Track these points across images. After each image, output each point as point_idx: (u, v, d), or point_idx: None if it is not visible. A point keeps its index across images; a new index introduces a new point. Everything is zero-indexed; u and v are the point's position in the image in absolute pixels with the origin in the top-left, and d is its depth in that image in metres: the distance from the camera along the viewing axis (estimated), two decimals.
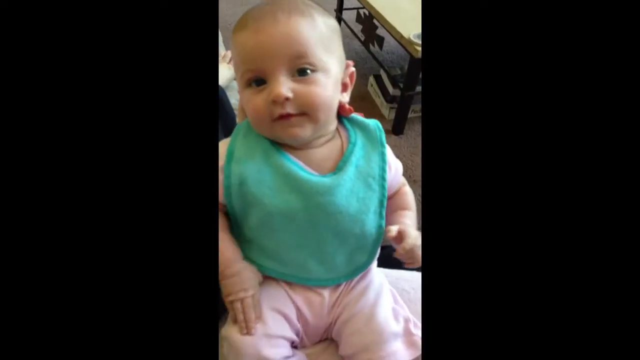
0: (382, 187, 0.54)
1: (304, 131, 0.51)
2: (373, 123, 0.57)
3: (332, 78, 0.52)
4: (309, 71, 0.49)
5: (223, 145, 0.54)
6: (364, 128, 0.57)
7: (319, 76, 0.50)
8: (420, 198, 0.75)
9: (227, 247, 0.53)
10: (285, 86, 0.48)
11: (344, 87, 0.56)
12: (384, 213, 0.55)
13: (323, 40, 0.51)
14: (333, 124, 0.55)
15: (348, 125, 0.57)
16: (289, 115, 0.49)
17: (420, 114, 1.80)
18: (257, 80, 0.50)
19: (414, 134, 1.72)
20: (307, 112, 0.50)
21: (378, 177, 0.54)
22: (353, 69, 0.57)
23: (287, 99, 0.48)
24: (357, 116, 0.58)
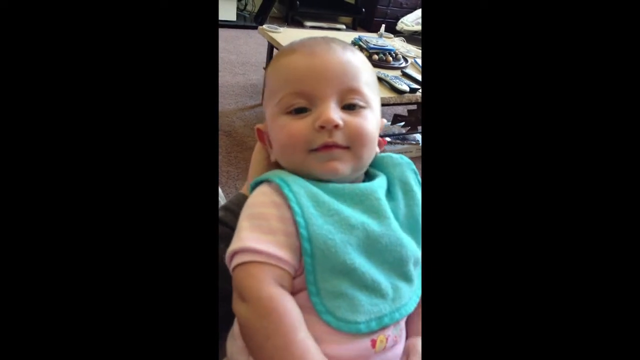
0: None
1: (345, 167, 0.46)
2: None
3: (376, 118, 0.50)
4: (357, 107, 0.47)
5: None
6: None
7: (368, 112, 0.48)
8: None
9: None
10: (336, 113, 0.45)
11: None
12: None
13: (372, 79, 0.50)
14: (365, 168, 0.51)
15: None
16: (334, 146, 0.45)
17: None
18: (298, 109, 0.47)
19: None
20: (352, 145, 0.46)
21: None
22: (385, 120, 0.55)
23: (336, 126, 0.45)
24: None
